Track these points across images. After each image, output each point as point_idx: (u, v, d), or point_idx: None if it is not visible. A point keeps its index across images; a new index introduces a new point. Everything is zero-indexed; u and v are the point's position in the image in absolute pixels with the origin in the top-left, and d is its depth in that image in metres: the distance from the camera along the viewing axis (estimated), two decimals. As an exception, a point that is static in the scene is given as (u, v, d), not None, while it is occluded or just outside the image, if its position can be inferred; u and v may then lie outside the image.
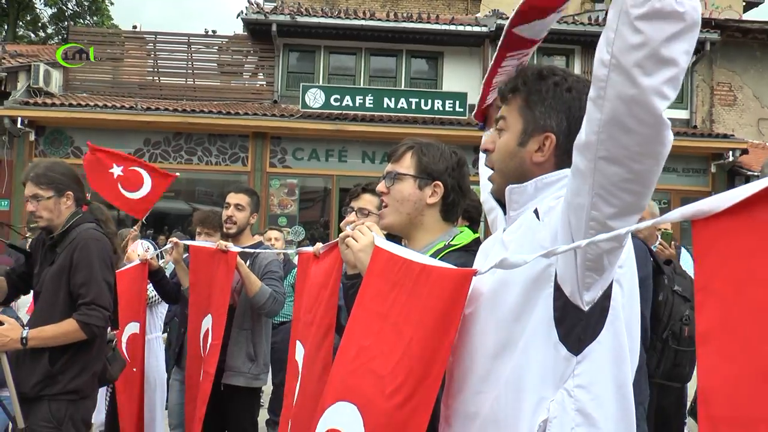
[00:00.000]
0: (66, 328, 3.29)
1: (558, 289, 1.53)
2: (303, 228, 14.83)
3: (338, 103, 15.05)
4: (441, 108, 14.99)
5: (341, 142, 15.05)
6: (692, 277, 4.01)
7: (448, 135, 13.15)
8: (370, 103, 15.12)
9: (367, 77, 16.35)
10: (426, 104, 15.08)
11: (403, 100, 15.15)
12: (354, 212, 3.51)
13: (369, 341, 1.87)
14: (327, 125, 14.58)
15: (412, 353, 1.72)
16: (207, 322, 4.36)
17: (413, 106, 15.09)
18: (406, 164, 2.38)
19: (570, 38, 15.45)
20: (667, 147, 1.30)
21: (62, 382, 3.34)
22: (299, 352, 3.47)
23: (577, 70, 16.02)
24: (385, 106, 15.09)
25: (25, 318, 5.70)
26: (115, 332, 3.75)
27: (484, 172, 2.57)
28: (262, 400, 5.99)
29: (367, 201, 3.59)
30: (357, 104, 15.09)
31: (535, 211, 1.66)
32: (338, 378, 1.97)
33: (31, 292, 3.87)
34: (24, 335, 3.22)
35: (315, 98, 15.00)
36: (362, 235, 2.19)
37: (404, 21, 15.90)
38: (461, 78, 15.99)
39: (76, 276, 3.35)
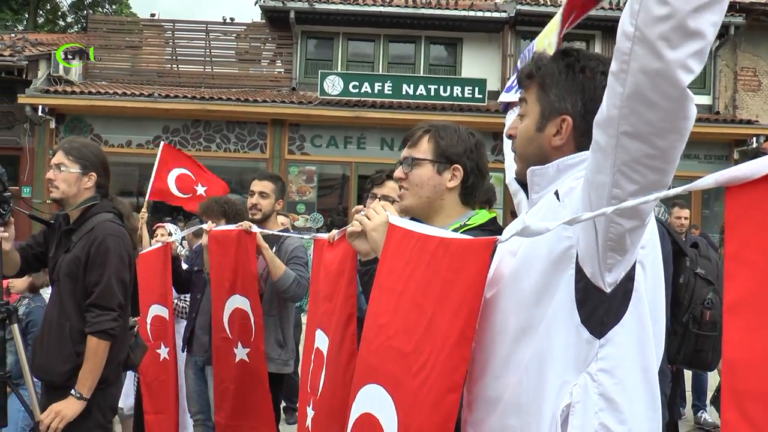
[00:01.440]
0: (93, 353, 3.26)
1: (579, 271, 1.50)
2: (321, 215, 14.81)
3: (357, 90, 14.99)
4: (460, 94, 14.87)
5: (360, 129, 15.00)
6: (718, 259, 3.94)
7: (467, 121, 13.02)
8: (388, 90, 15.05)
9: (386, 64, 16.27)
10: (445, 91, 14.97)
11: (421, 86, 15.05)
12: (377, 199, 3.48)
13: (386, 318, 1.85)
14: (345, 112, 14.53)
15: (436, 329, 1.68)
16: (235, 302, 4.36)
17: (432, 93, 15.00)
18: (423, 148, 2.33)
19: (590, 23, 15.24)
20: (690, 121, 1.26)
21: None
22: (322, 341, 3.45)
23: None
24: (403, 92, 15.01)
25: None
26: (136, 318, 3.71)
27: (510, 155, 2.54)
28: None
29: (390, 188, 3.58)
30: (375, 91, 15.03)
31: (556, 193, 1.64)
32: (362, 361, 1.95)
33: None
34: (76, 395, 3.22)
35: (333, 85, 14.95)
36: (376, 214, 2.17)
37: (423, 7, 15.79)
38: (480, 64, 15.85)
39: (91, 273, 3.32)
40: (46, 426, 3.15)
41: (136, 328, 3.70)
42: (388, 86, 15.07)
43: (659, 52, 1.18)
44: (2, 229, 3.32)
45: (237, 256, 4.34)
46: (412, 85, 15.06)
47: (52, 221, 3.62)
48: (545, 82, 1.74)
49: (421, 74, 15.94)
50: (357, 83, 15.06)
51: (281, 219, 6.94)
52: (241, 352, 4.38)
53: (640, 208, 1.36)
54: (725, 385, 1.03)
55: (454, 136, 2.34)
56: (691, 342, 3.75)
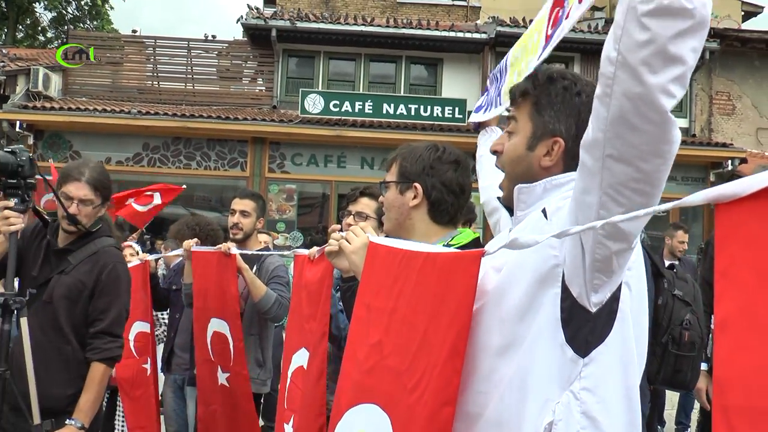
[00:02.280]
0: (99, 381, 3.20)
1: (565, 290, 1.51)
2: (301, 233, 14.81)
3: (337, 109, 15.04)
4: (440, 114, 14.98)
5: (340, 148, 15.03)
6: (695, 281, 3.99)
7: (448, 141, 12.96)
8: (369, 109, 15.12)
9: (367, 83, 16.36)
10: (425, 110, 15.07)
11: (402, 106, 15.14)
12: (352, 216, 3.50)
13: (378, 338, 1.85)
14: (326, 131, 14.57)
15: (428, 345, 1.68)
16: (213, 326, 4.35)
17: (412, 112, 15.09)
18: (392, 172, 2.38)
19: (569, 46, 15.45)
20: (674, 145, 1.29)
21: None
22: (303, 358, 3.47)
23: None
24: (384, 112, 15.09)
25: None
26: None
27: (485, 175, 2.56)
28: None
29: (364, 205, 3.60)
30: (356, 110, 15.09)
31: (543, 211, 1.65)
32: (352, 381, 1.94)
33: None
34: (77, 425, 3.10)
35: (314, 104, 15.00)
36: (355, 237, 2.18)
37: (404, 27, 15.91)
38: (461, 84, 15.99)
39: (99, 300, 3.26)
40: None
41: None
42: (369, 105, 15.14)
43: (641, 76, 1.21)
44: (22, 216, 3.10)
45: (216, 278, 4.33)
46: (392, 105, 15.14)
47: (50, 221, 3.47)
48: (540, 102, 1.75)
49: (402, 94, 16.04)
50: (338, 102, 15.12)
51: (263, 237, 6.95)
52: (221, 377, 4.37)
53: (627, 232, 1.39)
54: (716, 402, 1.04)
55: (415, 156, 2.34)
56: (670, 363, 3.79)
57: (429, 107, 15.14)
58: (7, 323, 2.98)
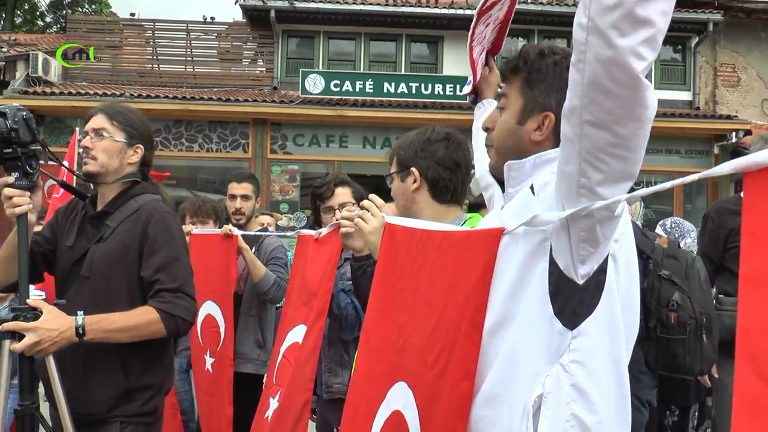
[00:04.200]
0: (140, 318, 2.49)
1: (553, 263, 1.53)
2: (304, 214, 14.80)
3: (338, 89, 14.96)
4: (442, 92, 14.87)
5: (342, 128, 14.97)
6: (688, 257, 3.92)
7: (449, 119, 13.03)
8: (370, 89, 15.03)
9: (367, 62, 16.26)
10: (426, 89, 14.95)
11: (403, 84, 15.04)
12: (335, 210, 3.54)
13: (405, 318, 1.88)
14: (327, 111, 14.50)
15: (447, 320, 1.71)
16: (206, 309, 4.34)
17: (413, 91, 14.98)
18: (393, 164, 2.50)
19: (529, 18, 15.29)
20: (649, 109, 1.30)
21: (139, 400, 2.59)
22: (299, 334, 3.48)
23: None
24: (385, 91, 15.00)
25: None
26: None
27: (480, 149, 2.55)
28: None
29: (342, 195, 3.66)
30: (357, 89, 15.00)
31: (531, 187, 1.67)
32: (388, 359, 1.97)
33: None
34: (79, 323, 2.38)
35: (315, 84, 14.92)
36: (372, 217, 2.26)
37: (403, 5, 15.79)
38: (462, 62, 15.75)
39: (153, 257, 2.57)
40: None
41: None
42: (370, 84, 15.05)
43: (611, 40, 1.22)
44: (28, 194, 2.49)
45: (215, 260, 4.33)
46: (393, 84, 15.06)
47: (88, 195, 2.84)
48: (531, 77, 1.75)
49: (403, 72, 15.94)
50: (338, 82, 15.04)
51: (266, 219, 6.96)
52: (207, 362, 4.38)
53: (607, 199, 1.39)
54: (739, 351, 1.10)
55: (407, 142, 2.46)
56: (663, 347, 3.72)
57: (430, 85, 15.02)
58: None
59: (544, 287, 1.54)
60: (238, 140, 15.01)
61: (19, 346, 2.31)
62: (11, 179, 2.47)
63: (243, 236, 4.37)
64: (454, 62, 15.97)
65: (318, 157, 15.10)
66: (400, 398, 1.85)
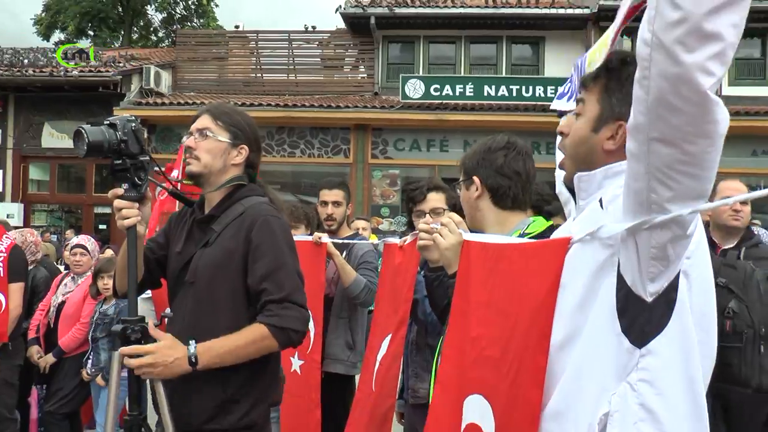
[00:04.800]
0: (252, 337, 2.39)
1: (621, 280, 1.50)
2: (405, 218, 14.83)
3: (438, 93, 14.94)
4: (543, 94, 14.60)
5: (442, 132, 14.95)
6: (747, 267, 3.73)
7: (550, 122, 12.80)
8: (470, 92, 14.94)
9: (468, 65, 16.19)
10: (527, 91, 14.73)
11: (503, 87, 14.86)
12: (426, 215, 3.51)
13: (479, 331, 1.89)
14: (427, 115, 14.52)
15: (519, 331, 1.72)
16: None
17: (514, 93, 14.78)
18: (461, 173, 2.58)
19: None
20: (720, 125, 1.25)
21: (237, 413, 2.48)
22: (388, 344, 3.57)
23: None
24: (485, 94, 14.87)
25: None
26: None
27: (560, 157, 2.58)
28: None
29: (435, 200, 3.61)
30: (457, 93, 14.94)
31: (600, 200, 1.66)
32: (460, 372, 2.00)
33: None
34: (192, 352, 2.33)
35: (415, 89, 14.95)
36: (449, 233, 2.28)
37: (503, 6, 15.66)
38: (564, 62, 15.54)
39: (257, 264, 2.46)
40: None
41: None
42: (470, 88, 14.96)
43: (676, 56, 1.18)
44: (137, 205, 2.46)
45: (305, 266, 4.39)
46: (493, 86, 14.91)
47: (195, 202, 2.78)
48: (610, 84, 1.73)
49: (503, 75, 15.79)
50: (438, 86, 15.01)
51: (361, 223, 7.00)
52: (295, 363, 4.44)
53: (680, 219, 1.35)
54: None
55: (471, 152, 2.55)
56: (717, 355, 3.59)
57: (531, 87, 14.79)
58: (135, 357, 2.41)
59: (612, 303, 1.51)
60: (340, 146, 15.22)
61: (134, 362, 2.33)
62: (121, 191, 2.44)
63: (333, 243, 4.44)
64: (556, 63, 15.69)
65: (419, 162, 15.13)
66: (477, 410, 1.85)
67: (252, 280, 2.46)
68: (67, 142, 13.36)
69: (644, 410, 1.47)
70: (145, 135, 15.05)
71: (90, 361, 5.16)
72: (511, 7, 15.61)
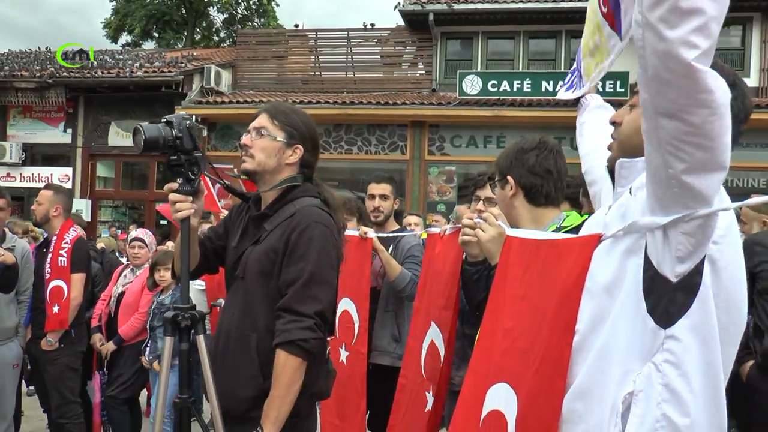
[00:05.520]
0: (281, 372, 2.45)
1: (647, 261, 1.53)
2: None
3: (496, 89, 14.83)
4: (601, 89, 14.13)
5: (500, 128, 14.84)
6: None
7: (569, 116, 12.60)
8: (528, 88, 14.79)
9: (526, 61, 16.04)
10: (556, 85, 14.45)
11: (561, 83, 14.58)
12: (481, 201, 3.57)
13: (512, 323, 1.95)
14: (484, 111, 14.44)
15: (547, 324, 1.78)
16: (343, 304, 4.50)
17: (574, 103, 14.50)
18: (497, 173, 2.69)
19: (748, 5, 14.33)
20: (716, 94, 1.30)
21: None
22: (437, 335, 3.62)
23: (756, 39, 14.89)
24: (543, 89, 14.70)
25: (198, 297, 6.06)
26: (329, 338, 2.92)
27: (585, 143, 2.77)
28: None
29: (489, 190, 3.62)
30: (515, 89, 14.80)
31: (630, 188, 1.73)
32: (488, 361, 2.06)
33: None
34: None
35: (472, 85, 14.88)
36: (488, 227, 2.40)
37: (563, 1, 15.43)
38: (623, 57, 15.10)
39: (287, 269, 2.54)
40: None
41: (328, 351, 2.87)
42: (527, 84, 14.81)
43: (661, 33, 1.26)
44: (190, 199, 2.59)
45: (352, 260, 4.45)
46: (551, 82, 14.72)
47: (250, 197, 2.88)
48: None
49: (562, 70, 15.58)
50: (495, 82, 14.91)
51: (413, 219, 7.04)
52: (343, 354, 4.52)
53: (698, 191, 1.39)
54: None
55: (504, 153, 2.67)
56: None
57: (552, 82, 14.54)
58: (185, 342, 2.56)
59: (638, 284, 1.55)
60: (397, 142, 15.26)
61: None
62: (176, 185, 2.58)
63: (379, 237, 4.51)
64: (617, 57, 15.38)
65: (475, 158, 15.04)
66: (501, 398, 1.90)
67: (280, 283, 2.55)
68: (132, 141, 13.75)
69: (668, 391, 1.50)
70: (204, 132, 15.36)
71: (148, 349, 5.33)
72: (570, 1, 15.39)
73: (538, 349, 1.78)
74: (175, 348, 2.55)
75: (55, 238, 5.18)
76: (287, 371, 2.44)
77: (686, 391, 1.50)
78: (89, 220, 15.19)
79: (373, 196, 4.82)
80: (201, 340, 2.56)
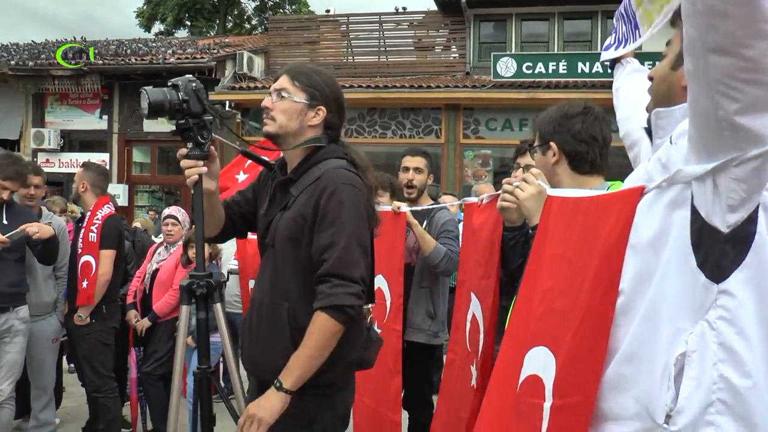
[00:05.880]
0: (318, 332, 2.37)
1: (695, 212, 1.43)
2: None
3: (530, 71, 14.66)
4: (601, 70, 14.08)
5: (535, 111, 14.42)
6: None
7: (604, 98, 12.37)
8: (563, 70, 14.59)
9: (561, 42, 15.81)
10: (593, 67, 14.23)
11: (597, 64, 14.38)
12: (521, 168, 3.51)
13: (550, 284, 1.87)
14: (519, 94, 14.24)
15: (589, 283, 1.69)
16: (375, 282, 4.41)
17: (609, 70, 14.23)
18: (536, 139, 2.61)
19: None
20: None
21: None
22: (476, 306, 3.55)
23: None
24: (579, 71, 14.48)
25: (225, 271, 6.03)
26: (371, 306, 2.87)
27: (622, 107, 2.71)
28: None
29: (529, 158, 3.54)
30: (550, 71, 14.62)
31: (670, 137, 1.61)
32: (526, 325, 1.98)
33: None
34: (276, 385, 2.38)
35: (506, 67, 14.71)
36: (528, 185, 2.30)
37: (599, -20, 15.17)
38: (661, 37, 14.73)
39: (320, 235, 2.43)
40: None
41: (369, 319, 2.86)
42: (563, 65, 14.61)
43: None
44: (201, 163, 2.52)
45: (385, 235, 4.36)
46: (587, 63, 14.49)
47: (273, 164, 2.79)
48: None
49: (598, 51, 15.28)
50: (530, 64, 14.72)
51: (449, 198, 6.94)
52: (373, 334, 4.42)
53: (755, 132, 1.27)
54: None
55: (546, 118, 2.57)
56: None
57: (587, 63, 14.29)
58: (202, 311, 2.53)
59: (686, 238, 1.45)
60: (431, 126, 15.14)
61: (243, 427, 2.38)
62: (185, 150, 2.52)
63: (412, 211, 4.40)
64: (654, 37, 15.05)
65: (511, 141, 14.83)
66: (539, 362, 1.82)
67: (314, 251, 2.44)
68: (166, 127, 13.78)
69: (724, 350, 1.39)
70: (238, 118, 15.36)
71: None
72: (606, -20, 15.13)
73: (578, 309, 1.69)
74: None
75: (89, 213, 5.22)
76: (324, 334, 2.36)
77: (744, 350, 1.38)
78: (126, 204, 15.40)
79: (407, 169, 4.73)
80: (218, 308, 2.54)
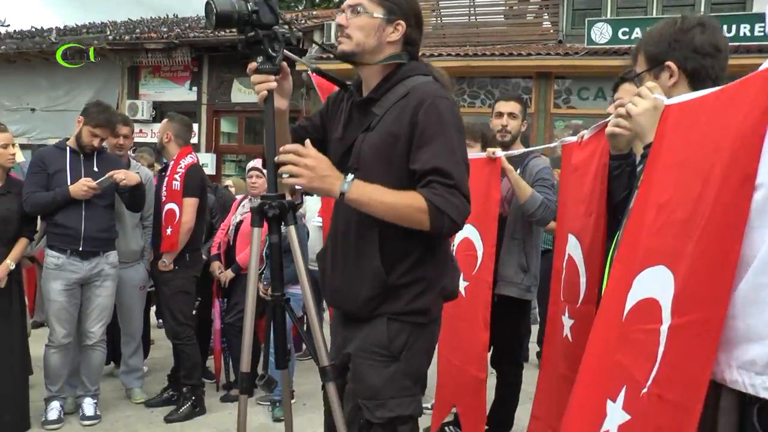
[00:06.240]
0: (409, 201, 2.23)
1: None
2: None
3: (627, 37, 14.00)
4: (748, 33, 13.24)
5: (630, 79, 14.01)
6: None
7: (756, 64, 11.63)
8: (663, 34, 13.87)
9: (661, 6, 15.05)
10: (730, 30, 13.35)
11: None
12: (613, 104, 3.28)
13: (666, 196, 1.70)
14: (615, 61, 13.59)
15: (714, 181, 1.45)
16: (463, 232, 4.18)
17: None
18: (640, 62, 2.36)
19: None
20: None
21: (405, 297, 2.39)
22: (574, 246, 3.34)
23: None
24: (679, 35, 13.73)
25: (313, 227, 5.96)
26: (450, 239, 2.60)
27: None
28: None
29: (625, 91, 3.31)
30: (648, 36, 13.92)
31: None
32: (638, 246, 1.78)
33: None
34: (347, 180, 2.23)
35: (601, 33, 14.13)
36: (641, 99, 2.08)
37: (702, -60, 14.38)
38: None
39: (423, 149, 2.28)
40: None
41: (453, 247, 2.63)
42: (663, 30, 13.88)
43: None
44: (272, 77, 2.39)
45: (478, 183, 4.15)
46: (689, 27, 13.74)
47: (350, 84, 2.63)
48: None
49: (702, 13, 14.53)
50: (627, 29, 14.08)
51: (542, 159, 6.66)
52: (461, 284, 4.17)
53: None
54: None
55: (655, 37, 2.30)
56: None
57: (734, 26, 13.42)
58: (275, 234, 2.42)
59: None
60: (521, 95, 14.70)
61: (288, 157, 2.24)
62: (255, 64, 2.38)
63: (507, 158, 4.20)
64: None
65: (603, 112, 14.28)
66: (655, 283, 1.64)
67: (416, 165, 2.29)
68: (253, 98, 13.92)
69: None
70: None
71: (263, 276, 5.25)
72: (711, -60, 14.33)
73: (702, 212, 1.48)
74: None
75: (172, 162, 5.26)
76: (411, 211, 2.24)
77: None
78: (214, 173, 15.64)
79: (500, 114, 4.55)
80: (292, 230, 2.42)
